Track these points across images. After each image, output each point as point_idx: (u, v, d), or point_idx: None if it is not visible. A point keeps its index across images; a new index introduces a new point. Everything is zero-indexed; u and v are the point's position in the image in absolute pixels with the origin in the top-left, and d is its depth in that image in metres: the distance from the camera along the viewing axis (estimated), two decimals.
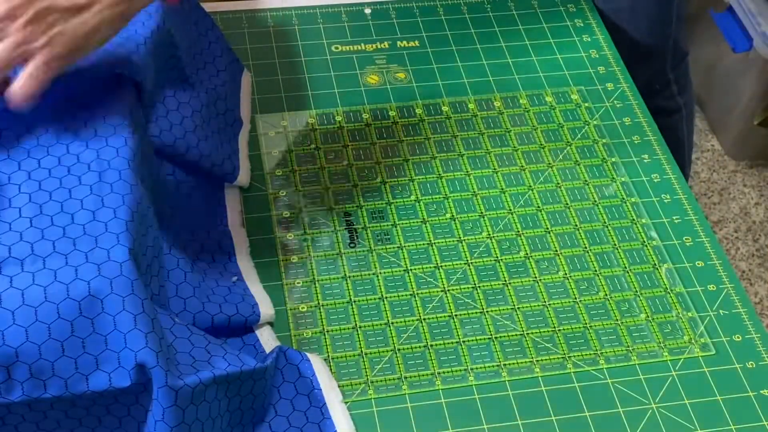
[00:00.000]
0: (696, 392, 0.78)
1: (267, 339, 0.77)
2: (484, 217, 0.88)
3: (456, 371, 0.78)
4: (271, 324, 0.79)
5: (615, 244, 0.87)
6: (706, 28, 1.93)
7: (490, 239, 0.87)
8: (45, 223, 0.68)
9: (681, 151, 1.28)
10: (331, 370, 0.77)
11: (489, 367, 0.78)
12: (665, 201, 0.91)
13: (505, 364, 0.78)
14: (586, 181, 0.92)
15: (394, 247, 0.86)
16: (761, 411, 0.77)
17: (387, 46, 1.04)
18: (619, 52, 1.05)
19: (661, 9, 1.14)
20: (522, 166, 0.93)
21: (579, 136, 0.96)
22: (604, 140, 0.96)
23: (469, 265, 0.85)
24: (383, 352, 0.79)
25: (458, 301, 0.82)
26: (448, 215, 0.88)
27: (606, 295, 0.84)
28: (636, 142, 0.96)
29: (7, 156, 0.72)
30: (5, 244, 0.66)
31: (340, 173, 0.91)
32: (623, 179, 0.92)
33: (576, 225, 0.89)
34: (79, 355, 0.64)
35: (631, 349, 0.80)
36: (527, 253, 0.86)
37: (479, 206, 0.89)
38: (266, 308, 0.79)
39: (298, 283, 0.82)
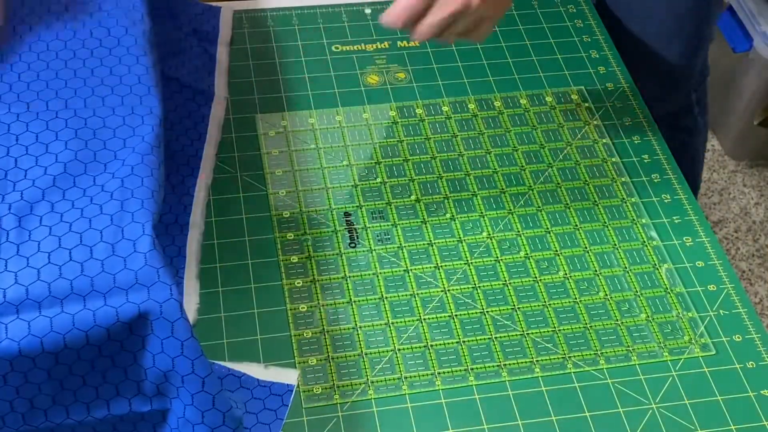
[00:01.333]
0: (696, 392, 0.78)
1: None
2: (484, 217, 0.88)
3: (456, 371, 0.78)
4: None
5: (615, 244, 0.87)
6: None
7: (490, 239, 0.87)
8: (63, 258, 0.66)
9: (696, 169, 1.28)
10: (331, 370, 0.77)
11: (489, 367, 0.78)
12: (665, 201, 0.91)
13: (505, 364, 0.78)
14: (586, 181, 0.92)
15: (394, 247, 0.86)
16: (761, 411, 0.77)
17: (387, 46, 1.04)
18: (648, 76, 1.03)
19: (698, 33, 1.13)
20: (522, 166, 0.93)
21: (579, 136, 0.96)
22: (604, 140, 0.96)
23: (469, 265, 0.85)
24: (383, 352, 0.79)
25: (458, 301, 0.82)
26: (448, 215, 0.88)
27: (606, 295, 0.83)
28: (636, 142, 0.96)
29: (24, 177, 0.71)
30: (23, 284, 0.64)
31: (340, 173, 0.91)
32: (623, 179, 0.92)
33: (576, 225, 0.88)
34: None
35: (631, 349, 0.80)
36: (527, 253, 0.86)
37: (479, 206, 0.89)
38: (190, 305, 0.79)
39: (298, 283, 0.82)
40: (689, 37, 1.13)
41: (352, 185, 0.90)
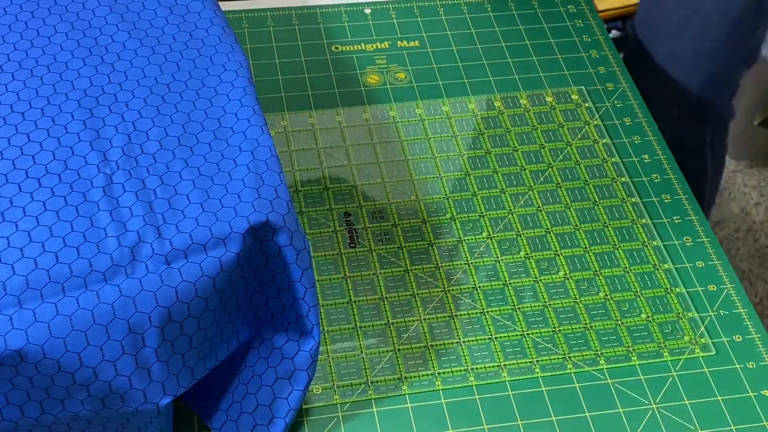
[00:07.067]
0: (696, 392, 0.78)
1: None
2: (484, 217, 0.88)
3: (456, 371, 0.78)
4: None
5: (615, 244, 0.87)
6: None
7: (490, 239, 0.87)
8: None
9: (701, 183, 1.16)
10: (331, 370, 0.77)
11: (489, 367, 0.78)
12: (665, 201, 0.91)
13: (505, 365, 0.78)
14: (586, 181, 0.92)
15: (394, 247, 0.86)
16: (761, 411, 0.77)
17: (387, 46, 1.04)
18: (658, 105, 0.97)
19: (730, 65, 1.03)
20: (522, 166, 0.93)
21: (579, 136, 0.96)
22: (604, 140, 0.96)
23: (469, 265, 0.85)
24: (383, 352, 0.79)
25: (458, 301, 0.82)
26: (448, 215, 0.88)
27: (606, 295, 0.83)
28: (636, 142, 0.96)
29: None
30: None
31: (340, 173, 0.91)
32: (623, 179, 0.92)
33: (576, 225, 0.88)
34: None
35: (631, 349, 0.80)
36: (527, 253, 0.86)
37: (479, 206, 0.89)
38: None
39: None
40: (721, 65, 1.03)
41: (352, 185, 0.90)
